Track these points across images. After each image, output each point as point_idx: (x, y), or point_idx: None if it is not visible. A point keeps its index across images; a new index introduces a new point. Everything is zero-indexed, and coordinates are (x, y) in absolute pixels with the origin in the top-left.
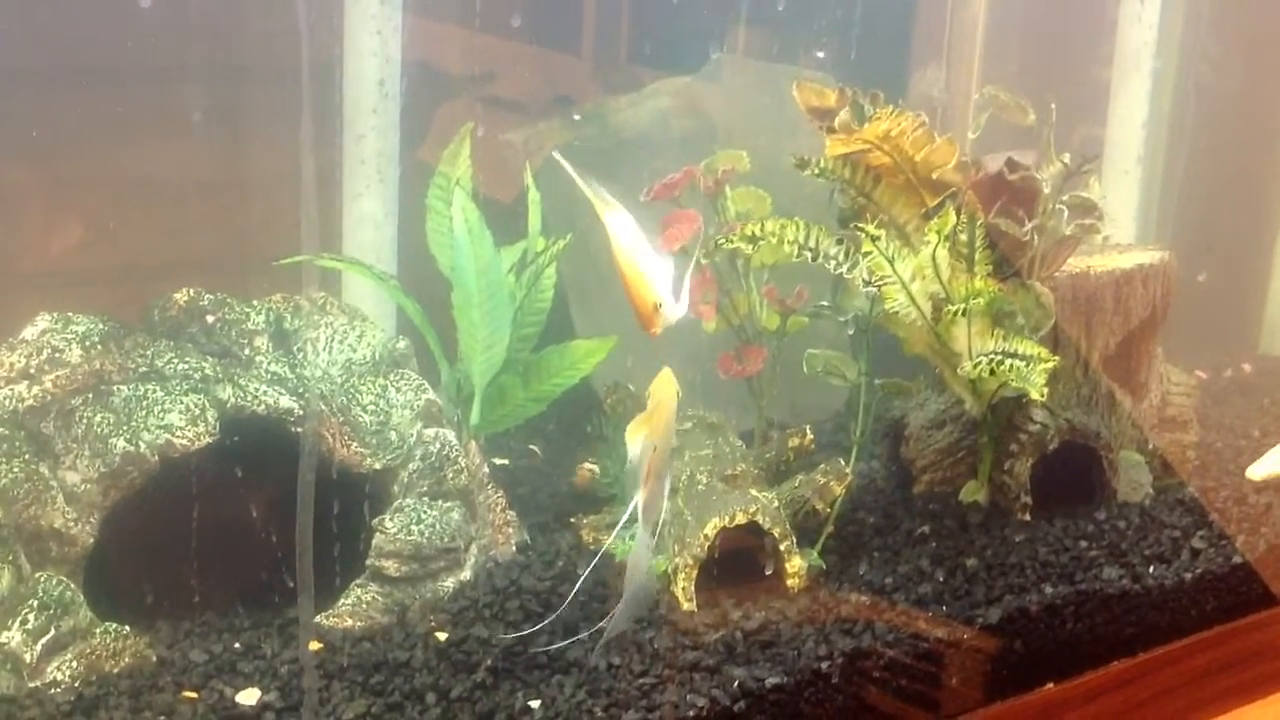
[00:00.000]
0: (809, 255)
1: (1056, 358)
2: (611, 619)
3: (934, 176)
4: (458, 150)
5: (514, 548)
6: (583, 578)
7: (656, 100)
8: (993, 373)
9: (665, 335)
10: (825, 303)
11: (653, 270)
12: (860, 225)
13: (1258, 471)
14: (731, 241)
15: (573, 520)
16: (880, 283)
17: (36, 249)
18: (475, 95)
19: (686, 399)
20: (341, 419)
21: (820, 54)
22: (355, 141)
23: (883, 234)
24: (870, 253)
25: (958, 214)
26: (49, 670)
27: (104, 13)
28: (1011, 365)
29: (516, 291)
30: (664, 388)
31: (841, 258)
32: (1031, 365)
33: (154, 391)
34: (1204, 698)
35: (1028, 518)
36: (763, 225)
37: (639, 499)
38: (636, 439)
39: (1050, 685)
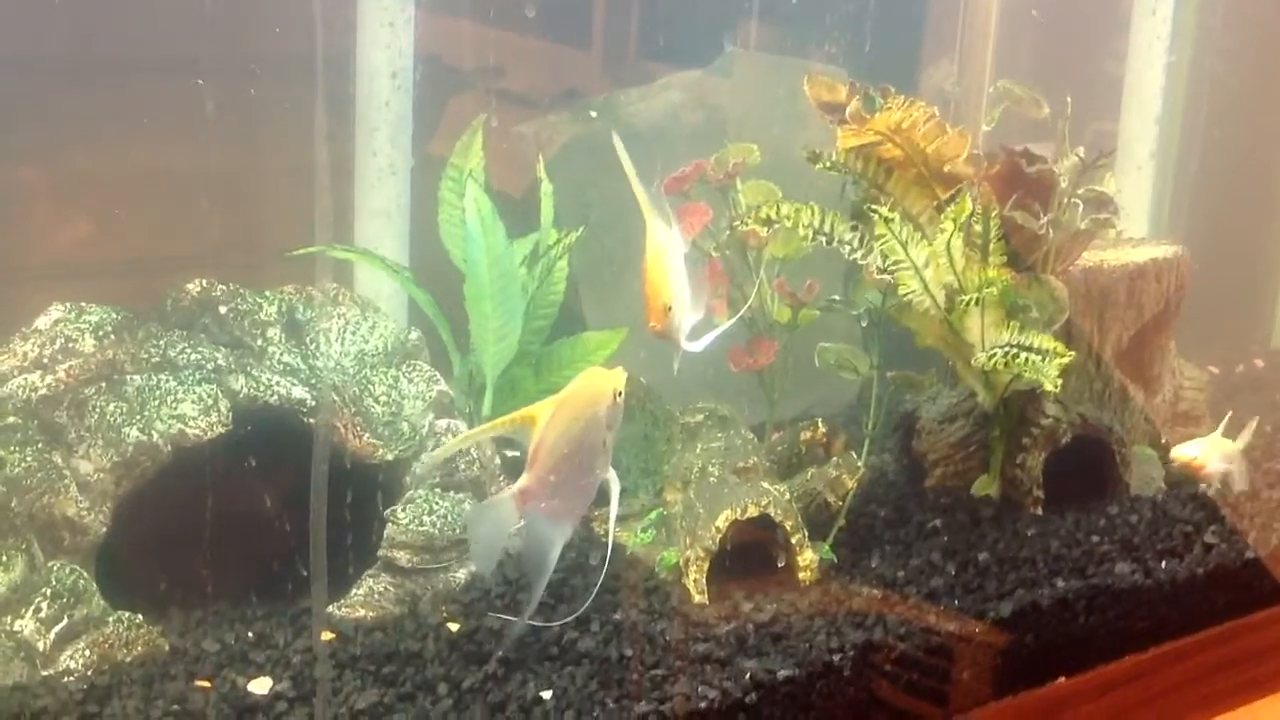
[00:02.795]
0: (824, 240)
1: (1071, 353)
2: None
3: (945, 169)
4: (470, 142)
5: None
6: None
7: (668, 93)
8: (1007, 365)
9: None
10: (837, 296)
11: (677, 284)
12: (874, 208)
13: (1181, 453)
14: (748, 223)
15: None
16: (894, 268)
17: (49, 241)
18: (487, 88)
19: (697, 392)
20: (354, 410)
21: (832, 48)
22: (368, 134)
23: (896, 216)
24: (884, 236)
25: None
26: (62, 659)
27: (115, 4)
28: (1026, 359)
29: (529, 283)
30: (593, 380)
31: (856, 243)
32: (1047, 360)
33: (167, 381)
34: (1215, 692)
35: (1039, 512)
36: (778, 208)
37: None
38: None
39: (1062, 679)
